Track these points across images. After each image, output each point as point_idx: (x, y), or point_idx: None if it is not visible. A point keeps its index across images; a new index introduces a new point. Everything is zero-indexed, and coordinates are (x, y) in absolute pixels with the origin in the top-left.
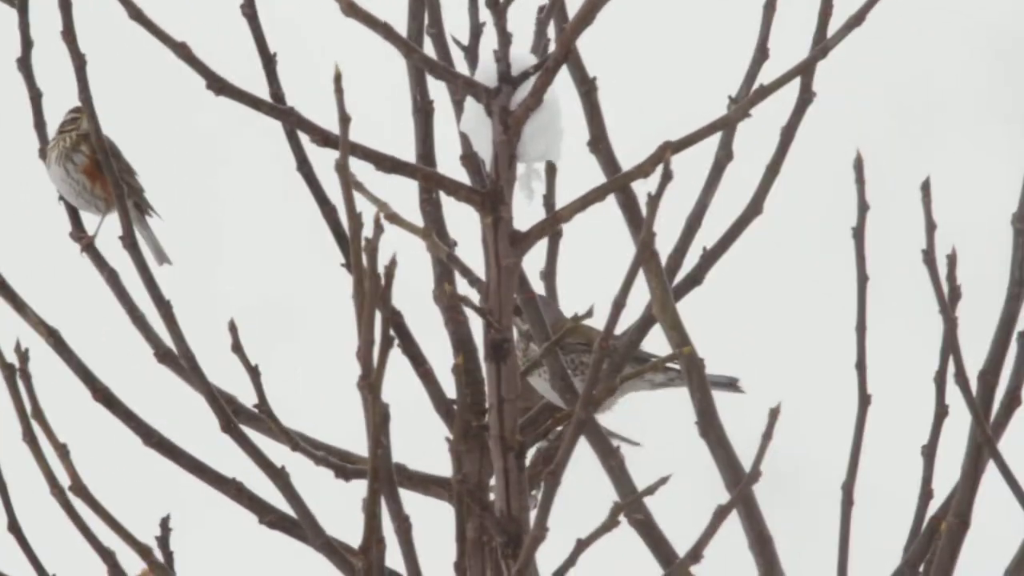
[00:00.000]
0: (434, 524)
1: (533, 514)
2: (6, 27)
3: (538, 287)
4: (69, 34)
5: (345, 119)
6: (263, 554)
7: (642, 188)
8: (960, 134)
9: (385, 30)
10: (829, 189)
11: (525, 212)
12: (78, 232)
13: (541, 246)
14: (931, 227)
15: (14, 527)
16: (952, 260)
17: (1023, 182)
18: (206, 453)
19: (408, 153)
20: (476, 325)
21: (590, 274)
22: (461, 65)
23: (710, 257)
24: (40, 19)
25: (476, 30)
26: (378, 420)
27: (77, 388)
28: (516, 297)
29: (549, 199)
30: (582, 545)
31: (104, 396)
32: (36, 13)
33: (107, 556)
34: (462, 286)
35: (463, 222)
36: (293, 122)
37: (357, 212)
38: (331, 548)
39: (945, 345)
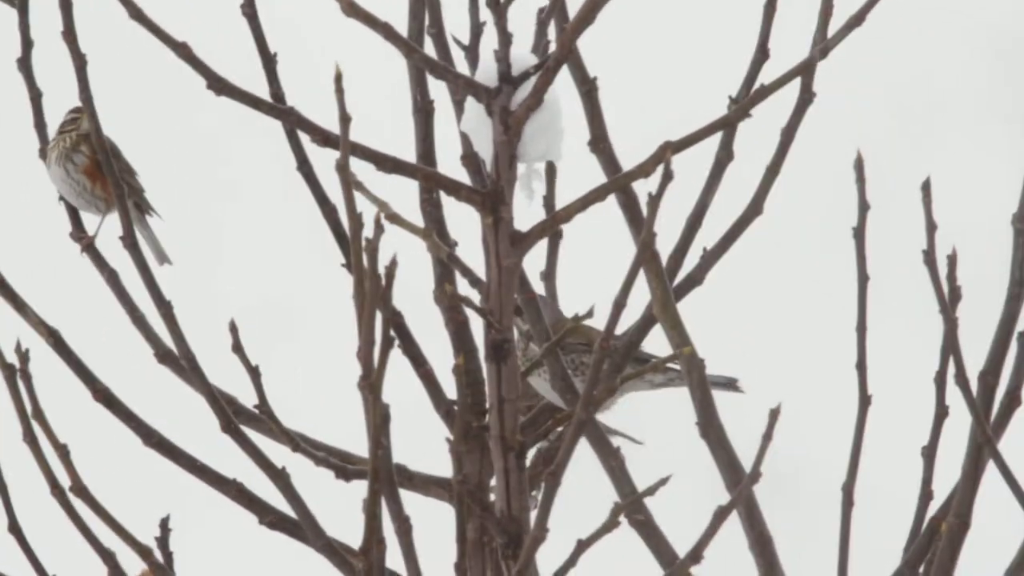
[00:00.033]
0: (434, 525)
1: (533, 515)
2: (6, 27)
3: (538, 287)
4: (69, 34)
5: (345, 119)
6: (263, 555)
7: (643, 188)
8: (960, 134)
9: (385, 30)
10: (829, 189)
11: (525, 212)
12: (78, 232)
13: (541, 246)
14: (931, 227)
15: (14, 528)
16: (952, 260)
17: (1023, 182)
18: (206, 454)
19: (408, 153)
20: (477, 325)
21: (590, 274)
22: (461, 65)
23: (710, 257)
24: (40, 19)
25: (477, 30)
26: (378, 421)
27: (77, 388)
28: (517, 297)
29: (549, 199)
30: (583, 546)
31: (104, 396)
32: (36, 13)
33: (107, 557)
34: (463, 286)
35: (464, 222)
36: (293, 122)
37: (357, 212)
38: (331, 549)
39: (945, 345)
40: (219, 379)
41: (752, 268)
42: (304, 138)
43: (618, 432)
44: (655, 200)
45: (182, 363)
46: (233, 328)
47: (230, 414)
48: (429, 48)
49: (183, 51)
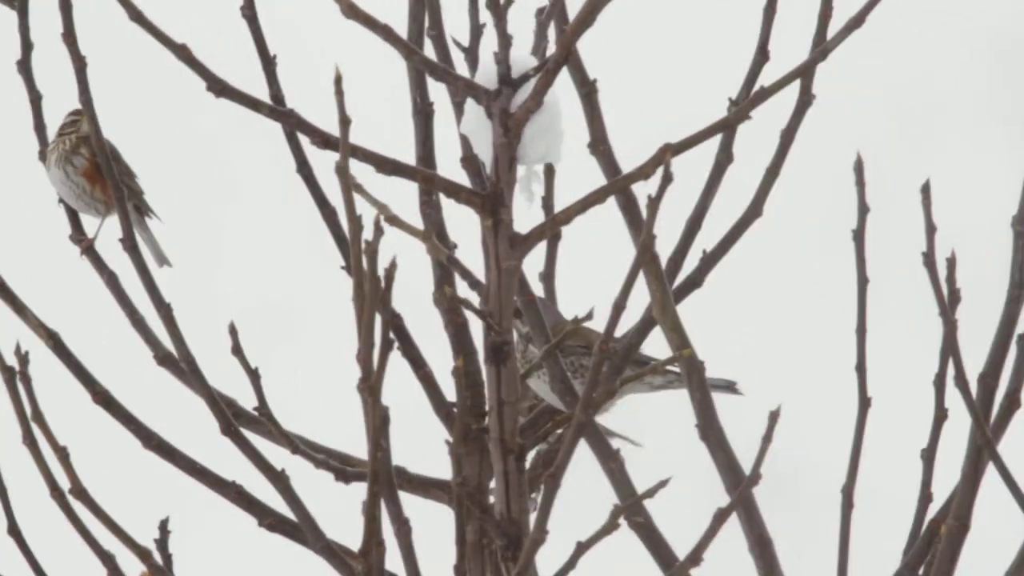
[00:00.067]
0: (434, 527)
1: (533, 517)
2: (6, 29)
3: (538, 289)
4: (69, 36)
5: (345, 121)
6: (263, 557)
7: (642, 190)
8: (960, 136)
9: (385, 32)
10: (829, 191)
11: (525, 214)
12: (78, 235)
13: (541, 248)
14: (931, 229)
15: (14, 530)
16: (952, 262)
17: (1023, 184)
18: (206, 456)
19: (408, 155)
20: (476, 328)
21: (590, 276)
22: (461, 67)
23: (710, 259)
24: (40, 21)
25: (476, 32)
26: (378, 423)
27: (77, 391)
28: (516, 299)
29: (549, 201)
30: (582, 548)
31: (104, 399)
32: (36, 15)
33: (107, 559)
34: (462, 288)
35: (463, 224)
36: (293, 124)
37: (357, 214)
38: (331, 551)
39: (945, 347)
40: (219, 381)
41: (752, 270)
42: (304, 140)
43: (617, 434)
44: (655, 202)
45: (182, 365)
46: (233, 330)
47: (230, 416)
48: (429, 50)
49: (183, 53)
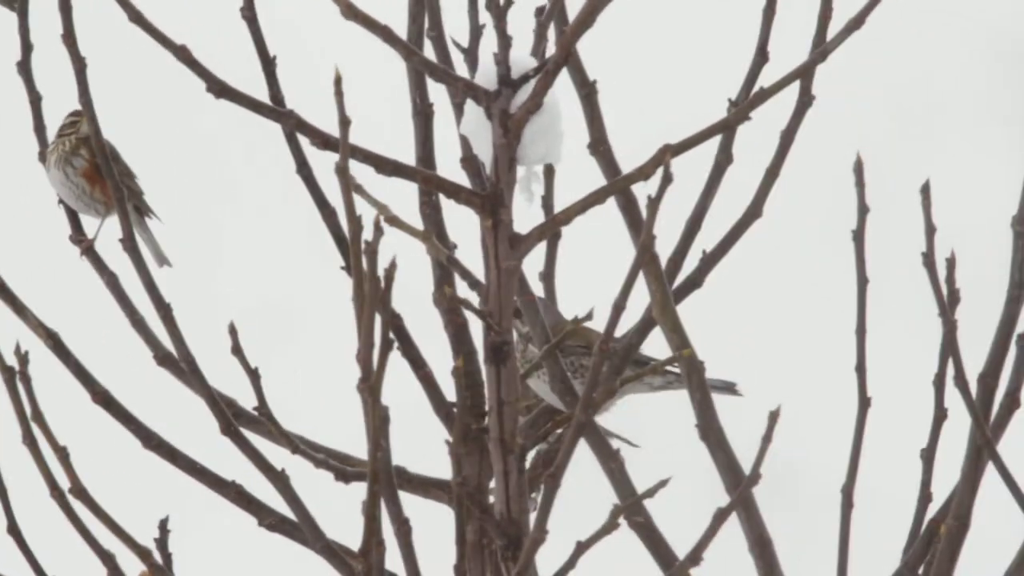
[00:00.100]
0: (434, 527)
1: (533, 517)
2: (6, 31)
3: (538, 289)
4: (69, 37)
5: (345, 122)
6: (263, 557)
7: (642, 191)
8: (960, 137)
9: (385, 33)
10: (829, 192)
11: (525, 215)
12: (78, 235)
13: (541, 248)
14: (931, 230)
15: (14, 529)
16: (952, 263)
17: (1023, 184)
18: (206, 456)
19: (408, 156)
20: (476, 328)
21: (590, 276)
22: (461, 68)
23: (710, 260)
24: (40, 22)
25: (476, 32)
26: (378, 423)
27: (77, 391)
28: (516, 299)
29: (549, 202)
30: (582, 547)
31: (104, 399)
32: (36, 16)
33: (107, 558)
34: (462, 289)
35: (463, 225)
36: (293, 125)
37: (357, 215)
38: (331, 551)
39: (944, 348)
40: (219, 381)
41: (751, 271)
42: (304, 141)
43: (615, 435)
44: (654, 203)
45: (182, 365)
46: (232, 330)
47: (230, 416)
48: (429, 51)
49: (182, 54)
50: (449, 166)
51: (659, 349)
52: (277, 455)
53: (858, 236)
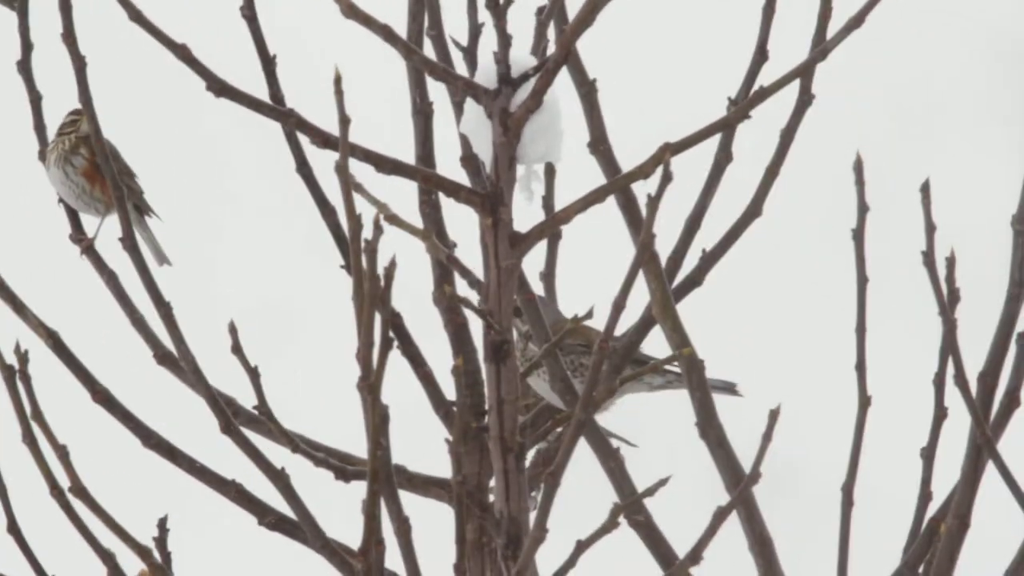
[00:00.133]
0: (434, 526)
1: (533, 515)
2: (6, 30)
3: (538, 288)
4: (69, 36)
5: (345, 121)
6: (263, 556)
7: (642, 189)
8: (960, 136)
9: (385, 32)
10: (829, 191)
11: (525, 213)
12: (78, 234)
13: (541, 247)
14: (931, 229)
15: (14, 528)
16: (951, 262)
17: (1022, 184)
18: (206, 455)
19: (408, 155)
20: (476, 326)
21: (590, 275)
22: (461, 67)
23: (710, 258)
24: (40, 21)
25: (475, 31)
26: (378, 421)
27: (77, 390)
28: (516, 298)
29: (549, 200)
30: (582, 546)
31: (104, 398)
32: (36, 15)
33: (107, 557)
34: (462, 287)
35: (463, 223)
36: (293, 124)
37: (357, 213)
38: (331, 550)
39: (944, 347)
40: (218, 380)
41: (751, 269)
42: (304, 140)
43: (614, 435)
44: (654, 201)
45: (181, 364)
46: (232, 329)
47: (229, 415)
48: (428, 50)
49: (182, 53)
50: (449, 165)
51: (659, 348)
52: (277, 454)
53: (858, 235)
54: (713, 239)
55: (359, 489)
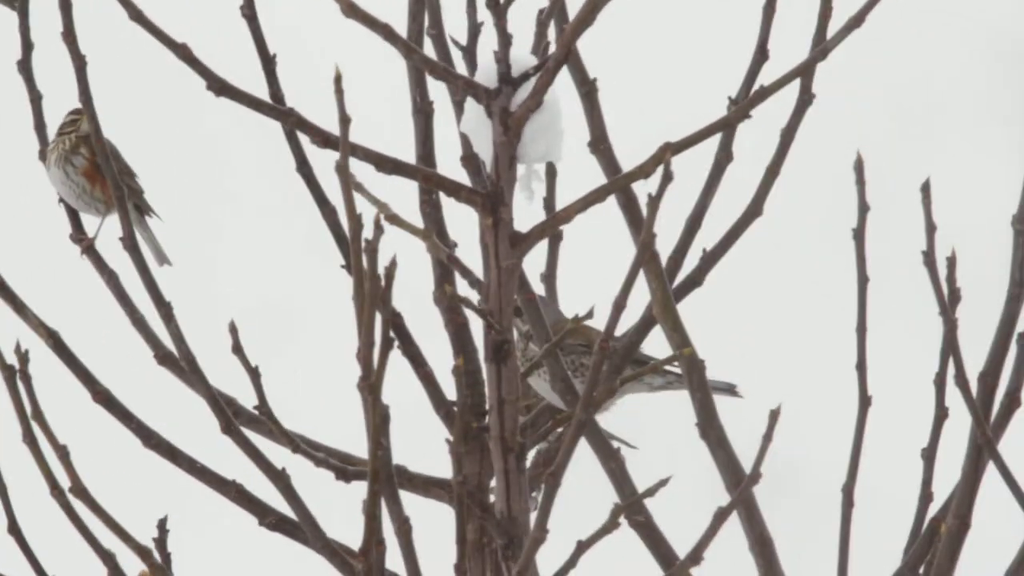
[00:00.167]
0: (434, 526)
1: (533, 516)
2: (6, 29)
3: (538, 288)
4: (69, 35)
5: (345, 120)
6: (263, 556)
7: (642, 189)
8: (960, 136)
9: (385, 31)
10: (829, 190)
11: (525, 213)
12: (78, 234)
13: (541, 247)
14: (931, 228)
15: (14, 528)
16: (952, 262)
17: (1023, 184)
18: (206, 455)
19: (408, 154)
20: (476, 326)
21: (590, 275)
22: (461, 66)
23: (710, 258)
24: (40, 21)
25: (474, 30)
26: (378, 422)
27: (77, 390)
28: (516, 298)
29: (549, 200)
30: (582, 547)
31: (104, 398)
32: (36, 15)
33: (107, 557)
34: (462, 287)
35: (463, 223)
36: (293, 123)
37: (357, 213)
38: (331, 550)
39: (945, 347)
40: (219, 380)
41: (752, 269)
42: (304, 139)
43: (614, 436)
44: (655, 201)
45: (182, 364)
46: (233, 329)
47: (230, 415)
48: (429, 49)
49: (183, 52)
50: (449, 164)
51: (660, 348)
52: (277, 454)
53: (858, 235)
54: (714, 239)
55: (360, 489)
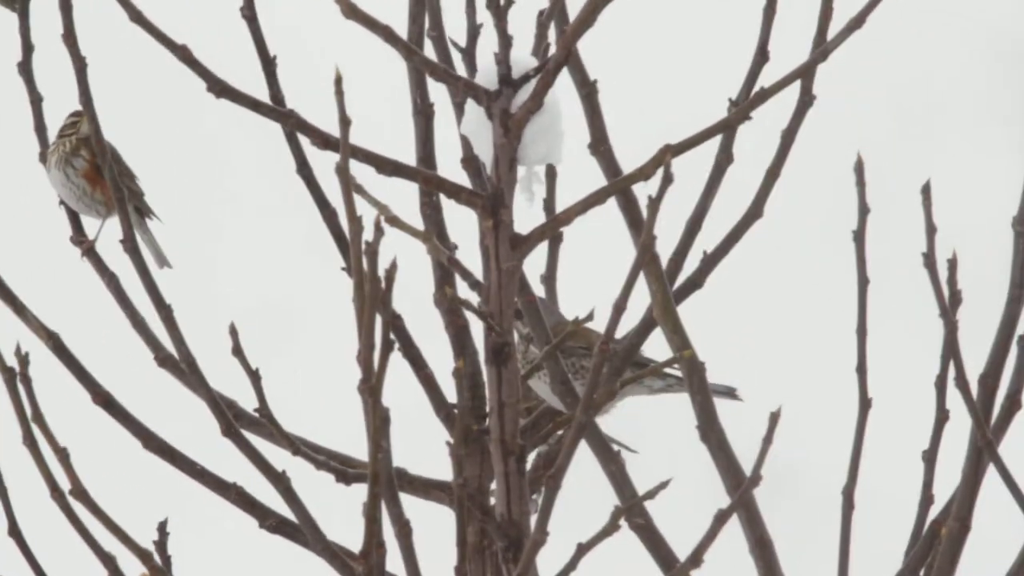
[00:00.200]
0: (435, 528)
1: (534, 518)
2: (7, 31)
3: (539, 290)
4: (69, 37)
5: (345, 122)
6: (263, 559)
7: (643, 191)
8: (960, 137)
9: (386, 33)
10: (830, 192)
11: (526, 215)
12: (78, 236)
13: (542, 249)
14: (931, 230)
15: (14, 531)
16: (953, 263)
17: (1023, 184)
18: (206, 457)
19: (408, 156)
20: (477, 329)
21: (591, 277)
22: (462, 68)
23: (711, 260)
24: (41, 22)
25: (474, 32)
26: (378, 424)
27: (77, 392)
28: (517, 300)
29: (550, 202)
30: (583, 549)
31: (104, 400)
32: (37, 16)
33: (107, 560)
34: (463, 289)
35: (463, 225)
36: (293, 124)
37: (357, 215)
38: (332, 553)
39: (946, 349)
40: (219, 382)
41: (752, 271)
42: (304, 141)
43: (614, 440)
44: (655, 203)
45: (182, 366)
46: (233, 331)
47: (230, 418)
48: (429, 51)
49: (183, 54)
50: (450, 166)
51: (660, 350)
52: (278, 456)
53: (859, 236)
54: (714, 241)
55: (360, 492)
